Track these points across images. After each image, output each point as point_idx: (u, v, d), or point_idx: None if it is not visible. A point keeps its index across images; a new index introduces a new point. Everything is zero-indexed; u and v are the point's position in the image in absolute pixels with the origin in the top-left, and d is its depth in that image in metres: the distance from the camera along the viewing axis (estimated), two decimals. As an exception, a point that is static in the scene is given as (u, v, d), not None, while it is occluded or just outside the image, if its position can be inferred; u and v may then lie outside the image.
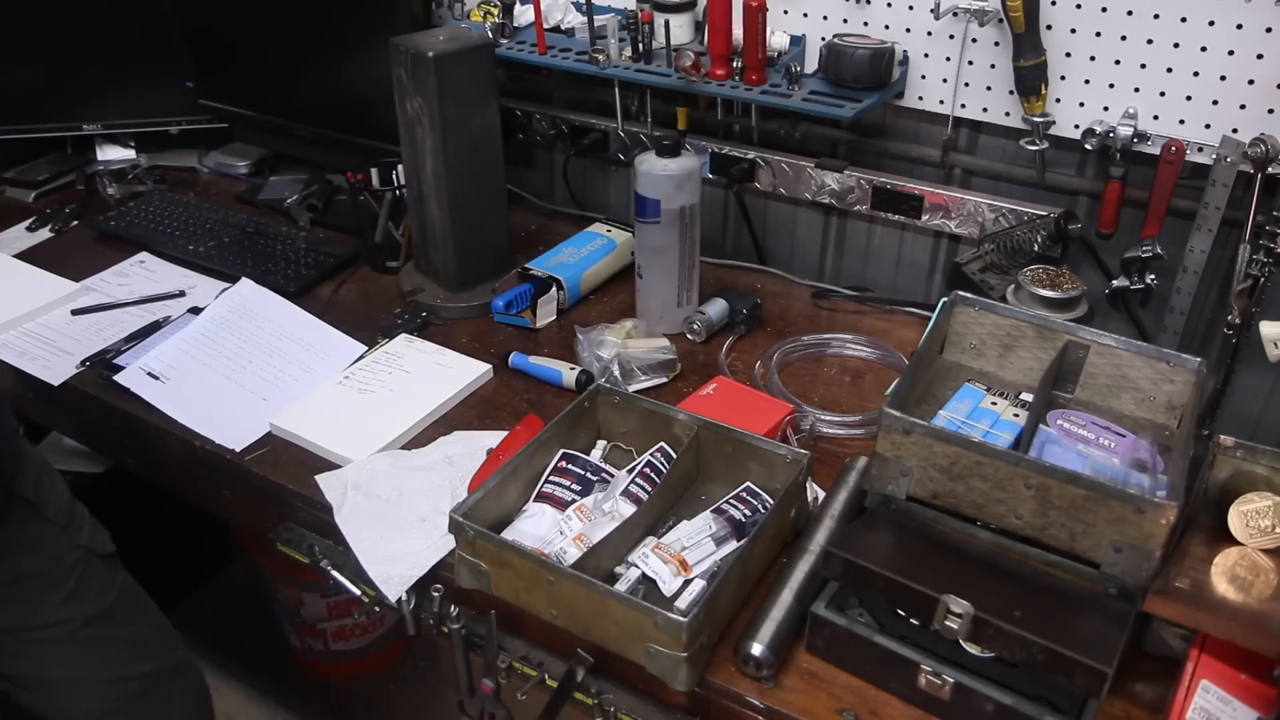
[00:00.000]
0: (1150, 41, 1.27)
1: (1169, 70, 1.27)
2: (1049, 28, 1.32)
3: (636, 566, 1.01)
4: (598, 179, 1.87)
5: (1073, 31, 1.31)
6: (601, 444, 1.20)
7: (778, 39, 1.49)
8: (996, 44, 1.37)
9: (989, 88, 1.41)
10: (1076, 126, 1.35)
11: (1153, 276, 1.37)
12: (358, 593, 1.15)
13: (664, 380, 1.36)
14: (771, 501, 1.08)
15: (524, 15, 1.68)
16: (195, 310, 1.48)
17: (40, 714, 1.27)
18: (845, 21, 1.47)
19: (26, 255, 1.69)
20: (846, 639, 0.93)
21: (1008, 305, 1.23)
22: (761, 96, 1.45)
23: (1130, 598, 0.91)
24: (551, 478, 1.12)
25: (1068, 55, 1.33)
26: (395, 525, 1.11)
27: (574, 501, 1.09)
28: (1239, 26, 1.20)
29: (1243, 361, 1.19)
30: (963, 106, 1.44)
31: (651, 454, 1.14)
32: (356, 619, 2.02)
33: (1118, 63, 1.30)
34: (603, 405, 1.20)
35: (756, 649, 0.92)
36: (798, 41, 1.50)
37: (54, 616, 1.22)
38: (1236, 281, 1.20)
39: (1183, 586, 0.86)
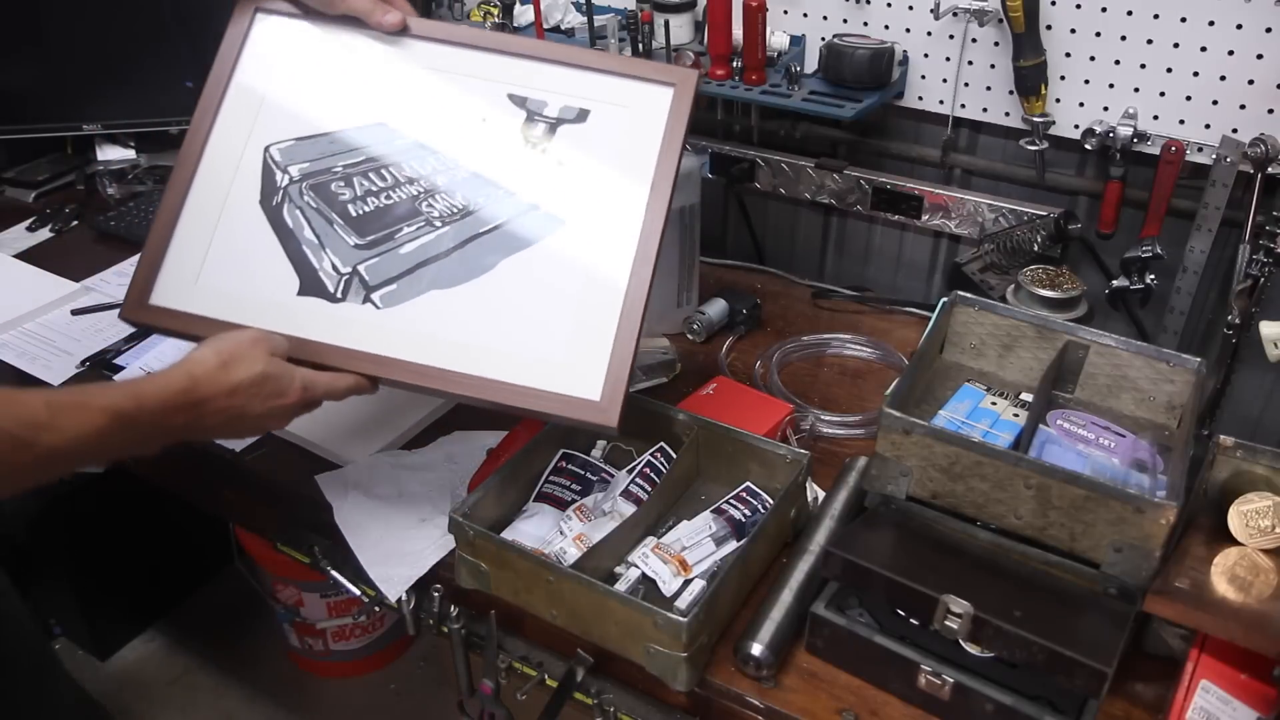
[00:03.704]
0: (1150, 41, 1.27)
1: (1169, 70, 1.27)
2: (1049, 28, 1.32)
3: (636, 566, 1.01)
4: (598, 179, 1.87)
5: (1073, 31, 1.31)
6: (601, 444, 1.20)
7: (778, 39, 1.49)
8: (996, 44, 1.37)
9: (989, 88, 1.41)
10: (1076, 126, 1.35)
11: (1153, 276, 1.37)
12: (358, 593, 1.15)
13: (664, 380, 1.36)
14: (771, 501, 1.08)
15: (524, 15, 1.68)
16: (195, 310, 1.48)
17: None
18: (845, 21, 1.47)
19: (26, 255, 1.69)
20: (846, 639, 0.93)
21: (1008, 305, 1.23)
22: (761, 96, 1.45)
23: (1130, 598, 0.91)
24: (551, 478, 1.12)
25: (1068, 55, 1.33)
26: (395, 525, 1.11)
27: (574, 501, 1.09)
28: (1239, 26, 1.20)
29: (1243, 361, 1.19)
30: (963, 106, 1.44)
31: (651, 454, 1.14)
32: (356, 619, 2.03)
33: (1117, 63, 1.30)
34: (603, 405, 1.20)
35: (756, 649, 0.92)
36: (798, 41, 1.50)
37: None
38: (1236, 281, 1.20)
39: (1183, 586, 0.86)
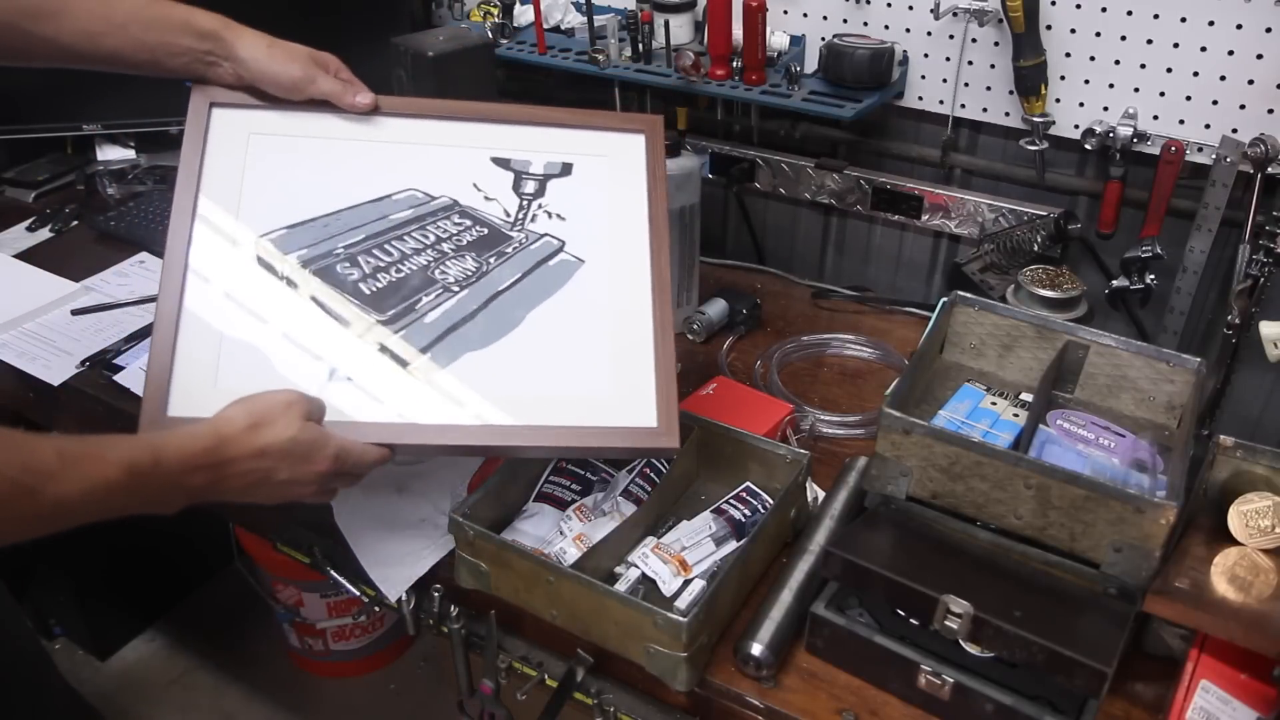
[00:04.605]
0: (1150, 41, 1.27)
1: (1169, 70, 1.27)
2: (1049, 28, 1.32)
3: (636, 566, 1.01)
4: (598, 179, 1.87)
5: (1072, 31, 1.31)
6: (601, 444, 1.20)
7: (778, 39, 1.49)
8: (996, 44, 1.37)
9: (989, 88, 1.41)
10: (1076, 126, 1.35)
11: (1152, 276, 1.37)
12: (358, 593, 1.15)
13: (664, 380, 1.36)
14: (771, 501, 1.08)
15: (524, 15, 1.68)
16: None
17: None
18: (845, 21, 1.47)
19: (26, 255, 1.69)
20: (846, 639, 0.93)
21: (1008, 305, 1.23)
22: (761, 96, 1.45)
23: (1130, 598, 0.91)
24: (551, 477, 1.12)
25: (1067, 55, 1.33)
26: (395, 525, 1.11)
27: (574, 501, 1.09)
28: (1239, 26, 1.20)
29: (1243, 361, 1.19)
30: (962, 106, 1.44)
31: (651, 454, 1.14)
32: (356, 619, 2.03)
33: (1117, 63, 1.30)
34: (603, 405, 1.20)
35: (756, 649, 0.92)
36: (798, 41, 1.50)
37: None
38: (1236, 281, 1.19)
39: (1182, 586, 0.86)
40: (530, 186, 1.08)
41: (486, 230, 1.06)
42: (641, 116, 1.12)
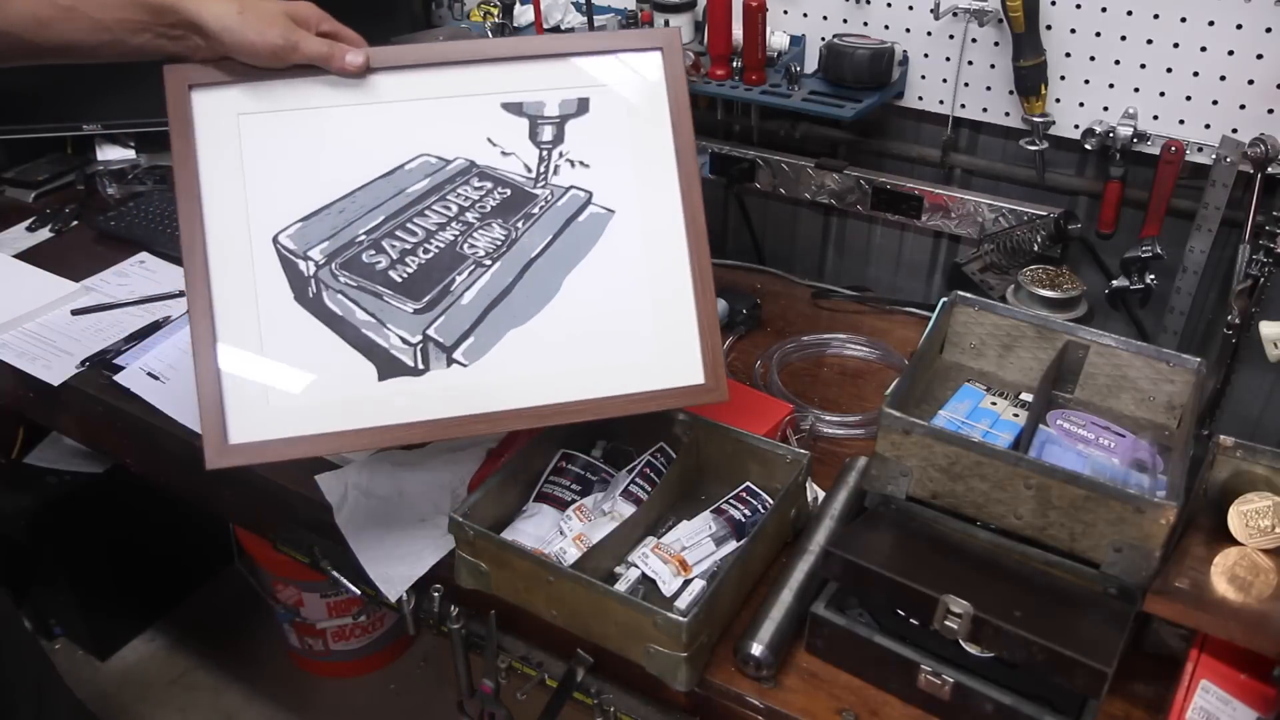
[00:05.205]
0: (1150, 41, 1.27)
1: (1169, 70, 1.27)
2: (1049, 28, 1.32)
3: (636, 566, 1.01)
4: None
5: (1072, 31, 1.31)
6: (601, 443, 1.20)
7: (778, 39, 1.49)
8: (996, 44, 1.37)
9: (989, 88, 1.41)
10: (1076, 126, 1.35)
11: (1152, 276, 1.37)
12: (358, 593, 1.15)
13: (664, 380, 1.36)
14: (771, 501, 1.08)
15: (524, 15, 1.68)
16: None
17: None
18: (845, 21, 1.47)
19: (26, 255, 1.69)
20: (846, 639, 0.93)
21: (1008, 305, 1.23)
22: (761, 96, 1.45)
23: (1130, 598, 0.91)
24: (551, 478, 1.12)
25: (1067, 55, 1.33)
26: (395, 525, 1.11)
27: (574, 501, 1.09)
28: (1239, 26, 1.20)
29: (1243, 361, 1.19)
30: (962, 106, 1.44)
31: (651, 454, 1.14)
32: (356, 619, 2.03)
33: (1117, 63, 1.30)
34: (603, 405, 1.19)
35: (756, 649, 0.92)
36: (798, 41, 1.50)
37: None
38: (1236, 281, 1.19)
39: (1182, 586, 0.86)
40: (548, 133, 1.01)
41: (509, 191, 1.01)
42: (655, 32, 1.06)
